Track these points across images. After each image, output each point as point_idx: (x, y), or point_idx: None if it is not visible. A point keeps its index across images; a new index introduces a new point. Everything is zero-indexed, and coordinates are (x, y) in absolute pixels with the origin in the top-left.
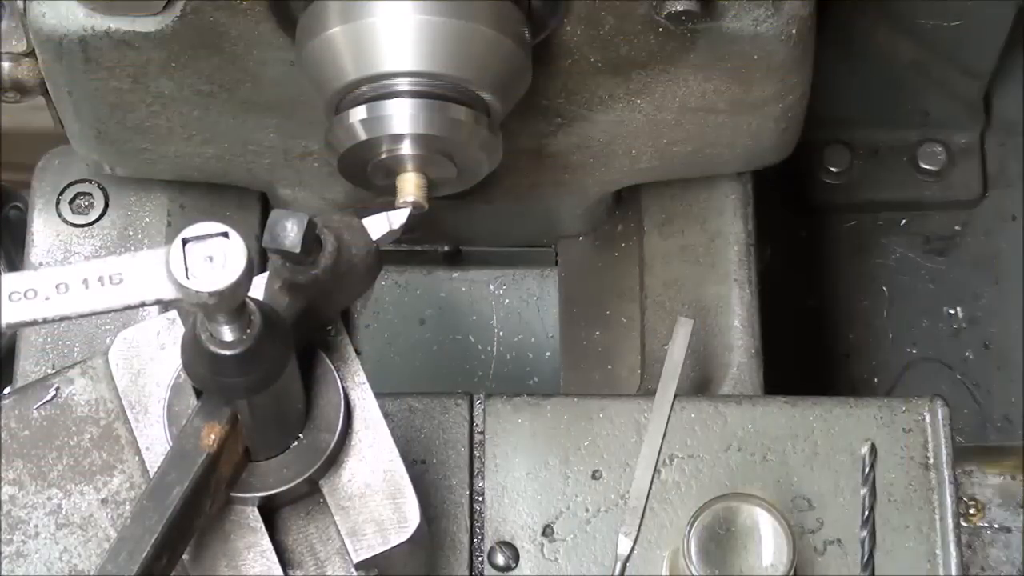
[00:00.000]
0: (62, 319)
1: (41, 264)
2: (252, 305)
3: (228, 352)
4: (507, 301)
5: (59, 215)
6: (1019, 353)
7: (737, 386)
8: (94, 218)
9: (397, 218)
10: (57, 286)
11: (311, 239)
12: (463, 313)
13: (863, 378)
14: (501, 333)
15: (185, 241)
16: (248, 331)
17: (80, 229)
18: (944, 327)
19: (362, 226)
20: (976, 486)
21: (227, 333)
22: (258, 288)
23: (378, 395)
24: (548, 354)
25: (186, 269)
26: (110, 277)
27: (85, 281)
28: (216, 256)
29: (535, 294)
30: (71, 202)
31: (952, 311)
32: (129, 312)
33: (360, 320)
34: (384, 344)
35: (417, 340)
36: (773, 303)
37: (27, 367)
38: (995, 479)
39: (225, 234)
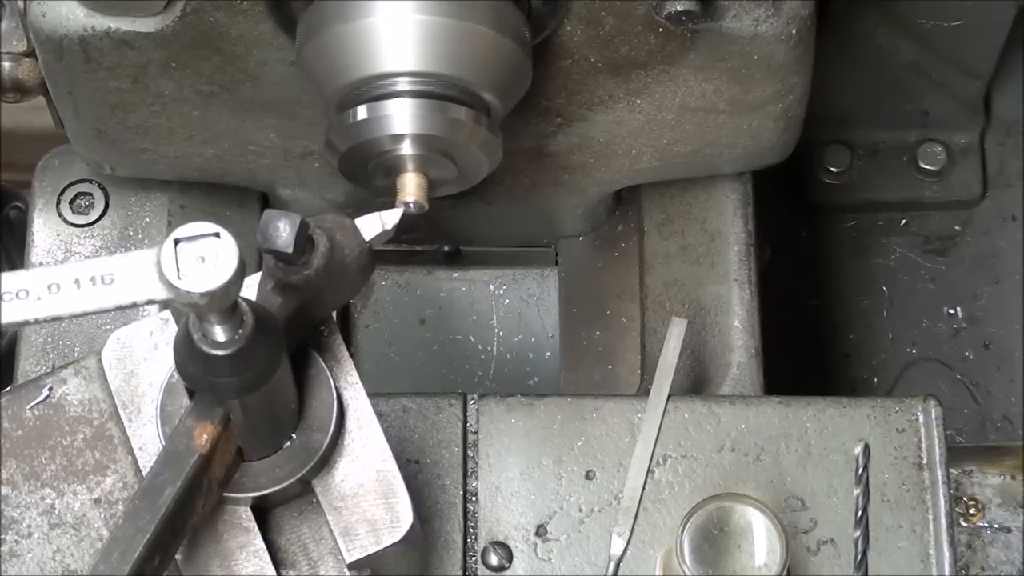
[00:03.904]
0: (54, 319)
1: (41, 264)
2: (244, 305)
3: (220, 352)
4: (507, 301)
5: (59, 215)
6: (1019, 353)
7: (737, 386)
8: (94, 218)
9: (390, 218)
10: (49, 286)
11: (304, 239)
12: (463, 313)
13: (863, 378)
14: (501, 333)
15: (177, 241)
16: (240, 331)
17: (80, 229)
18: (944, 327)
19: (355, 226)
20: (976, 486)
21: (219, 333)
22: (251, 288)
23: (371, 395)
24: (548, 354)
25: (177, 269)
26: (102, 277)
27: (77, 281)
28: (208, 256)
29: (535, 294)
30: (71, 202)
31: (952, 311)
32: (130, 312)
33: (360, 320)
34: (384, 344)
35: (417, 340)
36: (773, 303)
37: (27, 367)
38: (995, 479)
39: (217, 234)
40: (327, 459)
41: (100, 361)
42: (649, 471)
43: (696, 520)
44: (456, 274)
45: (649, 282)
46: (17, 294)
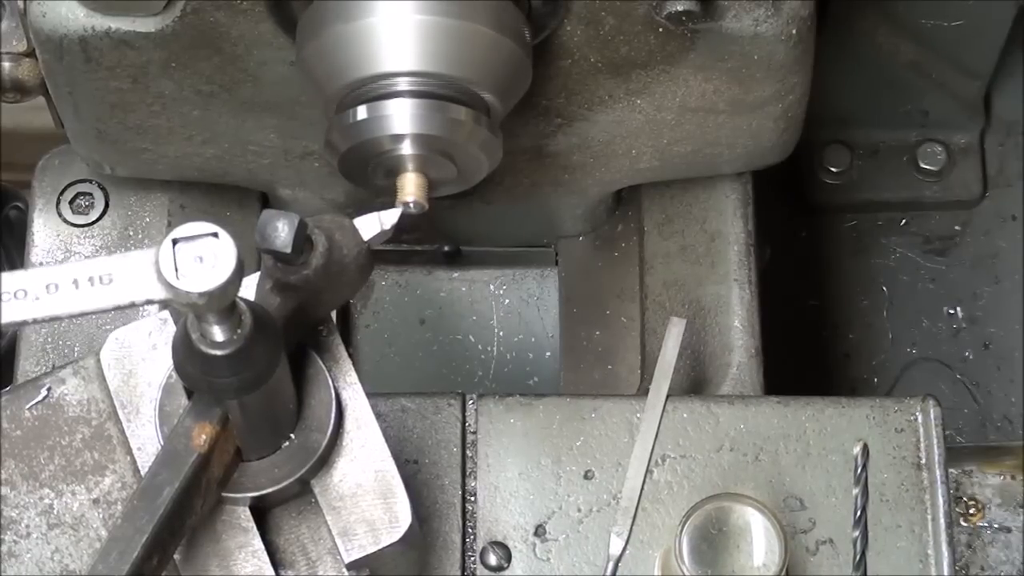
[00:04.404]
0: (53, 319)
1: (41, 264)
2: (243, 305)
3: (219, 352)
4: (507, 301)
5: (59, 215)
6: (1019, 353)
7: (737, 386)
8: (94, 218)
9: (388, 218)
10: (47, 286)
11: (302, 239)
12: (463, 313)
13: (863, 378)
14: (501, 333)
15: (175, 241)
16: (239, 331)
17: (80, 229)
18: (944, 327)
19: (353, 226)
20: (976, 486)
21: (218, 333)
22: (249, 288)
23: (370, 395)
24: (548, 354)
25: (176, 269)
26: (100, 277)
27: (75, 281)
28: (206, 256)
29: (535, 294)
30: (71, 202)
31: (952, 311)
32: (129, 312)
33: (360, 320)
34: (384, 344)
35: (417, 340)
36: (773, 303)
37: (27, 367)
38: (995, 479)
39: (215, 234)
40: (326, 459)
41: (99, 361)
42: (648, 471)
43: (695, 520)
44: (456, 274)
45: (649, 282)
46: (16, 294)
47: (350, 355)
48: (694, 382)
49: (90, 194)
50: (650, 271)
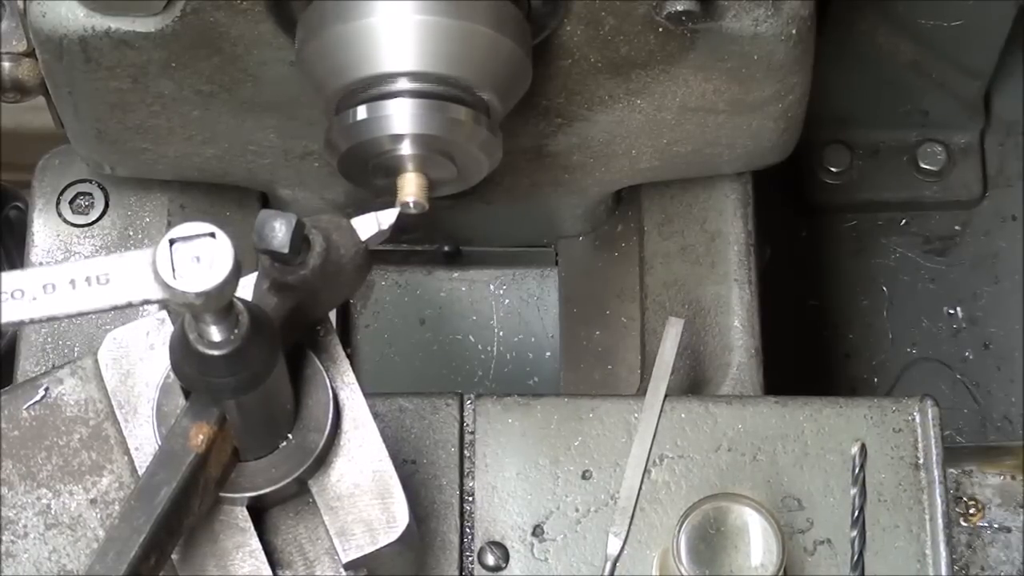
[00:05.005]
0: (50, 319)
1: (41, 264)
2: (240, 305)
3: (216, 352)
4: (507, 301)
5: (59, 215)
6: (1019, 353)
7: (737, 386)
8: (94, 218)
9: (386, 218)
10: (45, 286)
11: (299, 239)
12: (463, 313)
13: (863, 378)
14: (501, 333)
15: (172, 241)
16: (236, 331)
17: (80, 229)
18: (944, 327)
19: (351, 226)
20: (976, 486)
21: (215, 333)
22: (246, 288)
23: (368, 395)
24: (548, 354)
25: (173, 269)
26: (97, 277)
27: (72, 281)
28: (203, 256)
29: (535, 294)
30: (71, 202)
31: (952, 311)
32: (130, 312)
33: (360, 320)
34: (384, 344)
35: (417, 340)
36: (773, 303)
37: (27, 367)
38: (995, 479)
39: (212, 234)
40: (323, 459)
41: (96, 361)
42: (646, 471)
43: (692, 520)
44: (456, 274)
45: (649, 282)
46: (13, 294)
47: (348, 355)
48: (694, 382)
49: (90, 194)
50: (650, 271)
